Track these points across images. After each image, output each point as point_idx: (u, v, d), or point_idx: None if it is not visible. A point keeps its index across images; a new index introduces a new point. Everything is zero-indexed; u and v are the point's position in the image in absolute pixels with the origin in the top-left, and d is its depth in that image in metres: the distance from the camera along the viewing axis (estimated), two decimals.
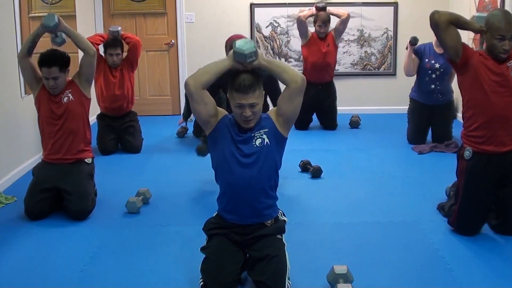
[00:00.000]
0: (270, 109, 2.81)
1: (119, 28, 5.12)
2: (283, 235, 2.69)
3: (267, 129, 2.59)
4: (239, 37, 3.73)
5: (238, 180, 2.56)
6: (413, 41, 5.10)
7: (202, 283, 2.54)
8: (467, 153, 3.14)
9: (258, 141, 2.57)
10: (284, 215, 2.77)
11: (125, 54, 5.18)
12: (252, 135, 2.57)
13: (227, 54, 3.74)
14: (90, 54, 3.66)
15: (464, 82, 3.13)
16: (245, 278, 2.65)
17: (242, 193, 2.58)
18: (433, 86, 5.08)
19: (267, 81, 3.22)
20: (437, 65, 5.03)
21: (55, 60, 3.48)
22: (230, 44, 3.70)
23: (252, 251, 2.59)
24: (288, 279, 2.52)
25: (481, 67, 3.03)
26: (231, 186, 2.60)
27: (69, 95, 3.60)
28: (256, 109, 2.53)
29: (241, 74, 2.50)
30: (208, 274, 2.52)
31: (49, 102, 3.59)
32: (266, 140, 2.57)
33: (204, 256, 2.60)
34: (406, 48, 5.20)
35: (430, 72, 5.06)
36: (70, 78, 3.66)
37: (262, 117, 2.63)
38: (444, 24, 3.02)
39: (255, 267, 2.54)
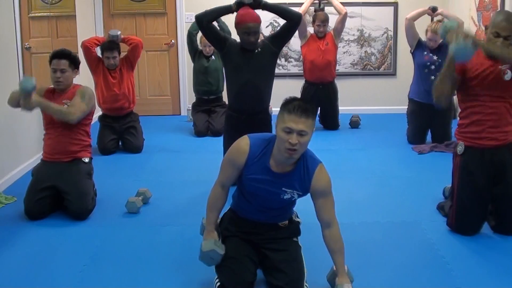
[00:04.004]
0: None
1: (119, 33, 5.16)
2: (298, 237, 2.67)
3: (301, 193, 2.51)
4: (247, 14, 3.73)
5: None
6: (434, 9, 5.27)
7: (218, 283, 2.49)
8: (460, 148, 3.19)
9: (286, 197, 2.50)
10: (297, 216, 2.75)
11: (123, 54, 5.19)
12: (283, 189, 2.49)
13: (237, 31, 3.80)
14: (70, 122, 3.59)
15: (459, 87, 3.18)
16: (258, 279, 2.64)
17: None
18: (433, 77, 5.10)
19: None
20: (435, 57, 5.10)
21: (66, 54, 3.66)
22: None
23: (268, 251, 2.54)
24: (306, 282, 2.51)
25: (476, 74, 3.08)
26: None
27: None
28: (303, 140, 2.31)
29: (297, 99, 2.37)
30: (227, 274, 2.47)
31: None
32: (295, 198, 2.53)
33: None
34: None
35: (429, 64, 5.12)
36: (75, 93, 3.63)
37: None
38: (447, 103, 3.24)
39: (273, 270, 2.50)
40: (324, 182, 2.47)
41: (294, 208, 2.72)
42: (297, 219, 2.73)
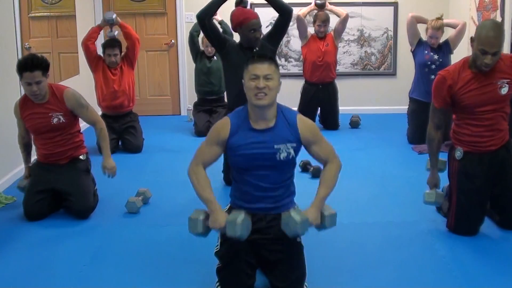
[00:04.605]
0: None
1: (114, 16, 5.11)
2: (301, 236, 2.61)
3: (294, 144, 2.47)
4: (248, 12, 3.75)
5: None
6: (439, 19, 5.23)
7: (219, 287, 2.48)
8: (458, 154, 3.19)
9: (283, 155, 2.45)
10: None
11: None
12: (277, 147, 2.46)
13: (232, 28, 3.88)
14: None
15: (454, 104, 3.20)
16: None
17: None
18: (433, 76, 5.10)
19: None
20: (435, 56, 5.12)
21: (38, 64, 3.34)
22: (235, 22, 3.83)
23: (270, 252, 2.48)
24: (306, 282, 2.49)
25: (469, 91, 3.06)
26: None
27: (60, 117, 3.49)
28: (271, 84, 2.39)
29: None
30: (227, 279, 2.45)
31: (36, 120, 3.51)
32: (292, 153, 2.47)
33: (218, 258, 2.52)
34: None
35: (429, 63, 5.13)
36: (67, 106, 3.50)
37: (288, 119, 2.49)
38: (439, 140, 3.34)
39: (275, 271, 2.47)
40: (310, 127, 2.53)
41: (295, 200, 2.65)
42: None
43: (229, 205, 2.67)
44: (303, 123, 2.51)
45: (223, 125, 2.52)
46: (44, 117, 3.49)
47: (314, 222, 2.41)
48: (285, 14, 3.83)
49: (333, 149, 2.59)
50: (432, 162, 3.32)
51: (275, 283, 2.46)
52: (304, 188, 4.11)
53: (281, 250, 2.48)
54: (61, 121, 3.50)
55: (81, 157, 3.66)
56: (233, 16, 3.84)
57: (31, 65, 3.33)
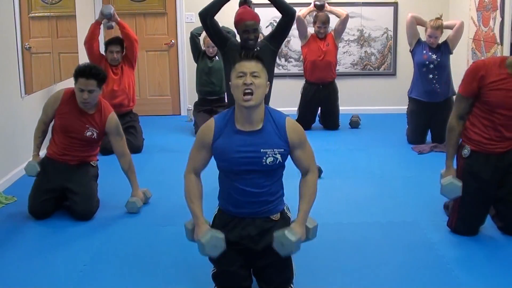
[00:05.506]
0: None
1: (112, 10, 5.06)
2: None
3: (282, 149, 2.44)
4: (245, 13, 3.74)
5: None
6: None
7: None
8: (465, 151, 3.17)
9: (269, 160, 2.42)
10: (289, 210, 2.65)
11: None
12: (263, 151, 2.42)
13: (237, 31, 3.84)
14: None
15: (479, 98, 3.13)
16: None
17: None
18: (431, 75, 5.11)
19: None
20: (434, 56, 5.11)
21: (95, 73, 3.41)
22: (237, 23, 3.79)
23: (259, 259, 2.47)
24: (292, 283, 2.49)
25: (498, 90, 3.01)
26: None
27: (94, 133, 3.55)
28: (258, 82, 2.38)
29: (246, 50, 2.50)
30: (224, 284, 2.45)
31: (70, 123, 3.52)
32: (279, 159, 2.44)
33: (212, 262, 2.52)
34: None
35: (428, 63, 5.12)
36: (106, 128, 3.58)
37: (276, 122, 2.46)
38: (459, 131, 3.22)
39: (262, 274, 2.48)
40: (298, 130, 2.50)
41: (286, 201, 2.64)
42: (289, 214, 2.62)
43: (218, 207, 2.61)
44: (292, 125, 2.48)
45: (207, 128, 2.51)
46: (80, 126, 3.52)
47: (302, 238, 2.43)
48: (288, 15, 3.82)
49: (314, 157, 2.58)
50: (448, 153, 3.24)
51: (263, 286, 2.48)
52: None
53: (269, 256, 2.44)
54: (93, 137, 3.57)
55: (92, 163, 3.70)
56: (235, 14, 3.86)
57: (88, 73, 3.39)
